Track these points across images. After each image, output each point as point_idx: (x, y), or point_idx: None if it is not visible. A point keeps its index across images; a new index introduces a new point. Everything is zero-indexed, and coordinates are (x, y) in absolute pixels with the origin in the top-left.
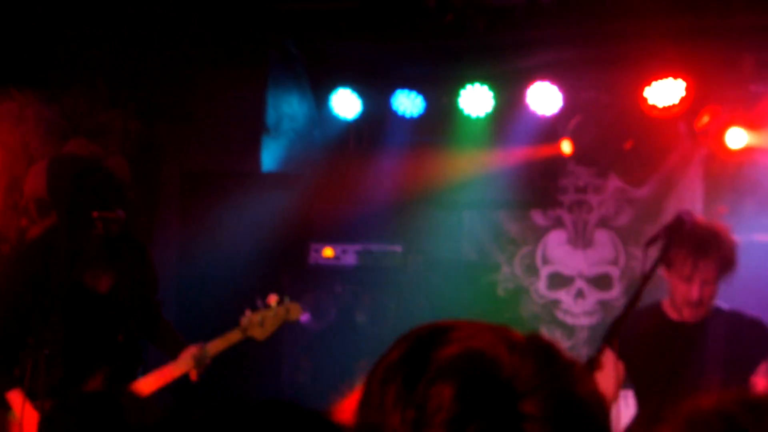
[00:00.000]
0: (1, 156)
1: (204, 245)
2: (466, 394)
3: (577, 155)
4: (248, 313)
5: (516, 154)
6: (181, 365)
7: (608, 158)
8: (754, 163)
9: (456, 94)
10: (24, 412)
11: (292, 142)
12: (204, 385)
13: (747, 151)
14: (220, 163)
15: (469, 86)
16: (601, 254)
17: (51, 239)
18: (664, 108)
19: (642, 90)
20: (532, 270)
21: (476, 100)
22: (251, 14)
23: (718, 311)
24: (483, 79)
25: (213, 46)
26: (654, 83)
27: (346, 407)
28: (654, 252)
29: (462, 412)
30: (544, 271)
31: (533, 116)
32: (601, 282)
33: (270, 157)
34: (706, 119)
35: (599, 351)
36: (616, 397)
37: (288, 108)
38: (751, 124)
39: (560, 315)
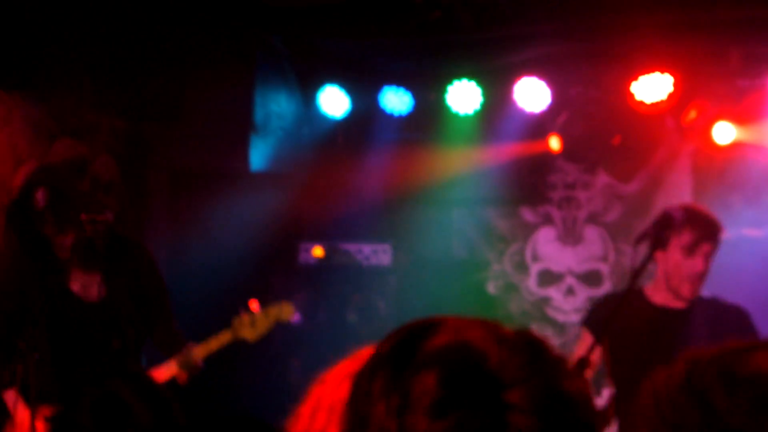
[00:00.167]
0: None
1: (192, 245)
2: (451, 381)
3: (566, 151)
4: (241, 314)
5: (504, 151)
6: (169, 369)
7: (596, 154)
8: (742, 157)
9: (444, 91)
10: (18, 412)
11: (280, 141)
12: (192, 385)
13: (735, 145)
14: (209, 162)
15: (456, 83)
16: (590, 250)
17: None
18: (652, 103)
19: (629, 85)
20: (522, 267)
21: (464, 96)
22: (238, 12)
23: (699, 298)
24: (471, 76)
25: (200, 45)
26: (641, 78)
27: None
28: (643, 248)
29: (445, 398)
30: (534, 268)
31: (521, 112)
32: (591, 278)
33: (258, 155)
34: (693, 114)
35: (590, 350)
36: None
37: (276, 106)
38: (738, 119)
39: (550, 312)
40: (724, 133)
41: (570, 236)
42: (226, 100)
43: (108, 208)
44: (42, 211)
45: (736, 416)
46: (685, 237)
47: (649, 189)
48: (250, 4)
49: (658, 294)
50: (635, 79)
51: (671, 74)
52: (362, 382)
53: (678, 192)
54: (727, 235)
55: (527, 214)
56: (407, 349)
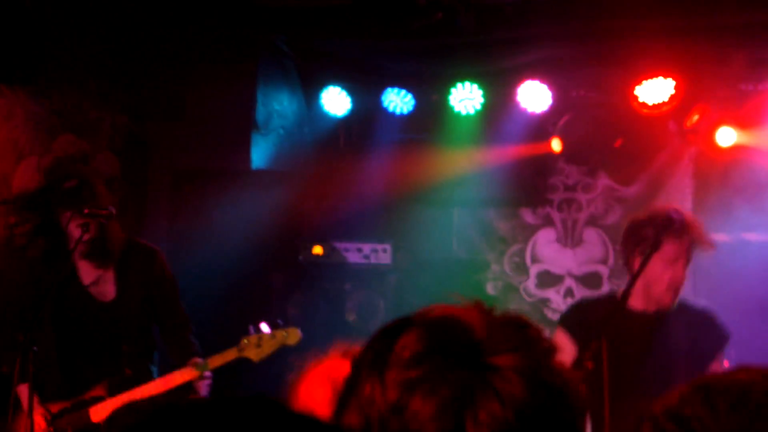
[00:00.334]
0: None
1: (193, 243)
2: (432, 339)
3: (567, 153)
4: (250, 333)
5: (506, 152)
6: (184, 374)
7: (598, 157)
8: (744, 161)
9: (446, 92)
10: (30, 407)
11: (281, 140)
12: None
13: (737, 149)
14: (210, 161)
15: (459, 84)
16: (590, 253)
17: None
18: (654, 106)
19: (632, 88)
20: (521, 268)
21: (466, 98)
22: (241, 12)
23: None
24: (473, 77)
25: (203, 44)
26: (644, 82)
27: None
28: (628, 250)
29: (423, 351)
30: (534, 270)
31: (523, 114)
32: (590, 281)
33: (260, 154)
34: (695, 118)
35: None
36: None
37: (278, 105)
38: (741, 123)
39: (549, 314)
40: (726, 136)
41: (570, 238)
42: (228, 98)
43: (109, 203)
44: (62, 201)
45: (719, 423)
46: (668, 248)
47: (650, 192)
48: (253, 4)
49: (635, 299)
50: (638, 82)
51: (674, 78)
52: (360, 357)
53: (679, 195)
54: (729, 238)
55: (527, 216)
56: (401, 323)
